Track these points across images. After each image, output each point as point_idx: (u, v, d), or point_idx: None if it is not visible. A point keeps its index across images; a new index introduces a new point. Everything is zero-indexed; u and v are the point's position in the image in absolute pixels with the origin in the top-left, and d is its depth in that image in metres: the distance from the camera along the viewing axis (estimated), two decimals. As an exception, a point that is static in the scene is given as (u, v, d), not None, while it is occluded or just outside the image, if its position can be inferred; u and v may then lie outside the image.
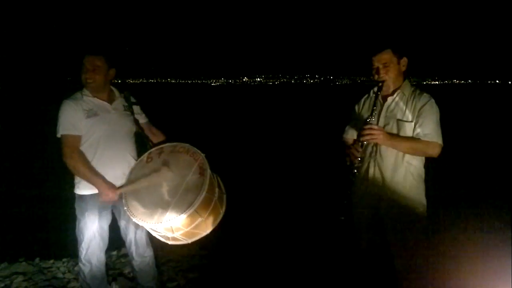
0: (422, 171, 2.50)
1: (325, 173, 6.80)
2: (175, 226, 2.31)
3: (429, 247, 2.52)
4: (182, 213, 2.26)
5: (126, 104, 2.82)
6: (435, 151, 2.37)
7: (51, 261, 3.92)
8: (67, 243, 4.34)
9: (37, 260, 3.94)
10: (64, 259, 3.95)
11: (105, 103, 2.71)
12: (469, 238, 3.94)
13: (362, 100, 2.71)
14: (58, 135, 2.59)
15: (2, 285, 3.43)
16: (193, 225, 2.35)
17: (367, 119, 2.41)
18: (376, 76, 2.49)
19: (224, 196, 2.58)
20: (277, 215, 5.30)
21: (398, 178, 2.43)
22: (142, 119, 2.92)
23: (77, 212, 2.72)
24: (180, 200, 2.31)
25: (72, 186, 2.75)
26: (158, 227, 2.34)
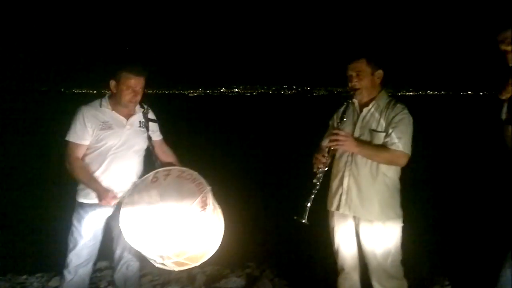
0: (397, 182, 2.52)
1: (299, 179, 6.85)
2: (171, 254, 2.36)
3: (404, 257, 2.54)
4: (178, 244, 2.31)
5: (142, 120, 2.80)
6: (401, 161, 2.40)
7: (24, 277, 3.82)
8: (41, 258, 4.24)
9: (9, 275, 3.83)
10: (38, 274, 3.85)
11: (122, 117, 2.69)
12: (445, 247, 4.02)
13: (341, 109, 2.71)
14: (66, 138, 2.60)
15: (-27, 302, 3.32)
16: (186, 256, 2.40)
17: (336, 125, 2.44)
18: (349, 84, 2.52)
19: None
20: (254, 222, 5.32)
21: (374, 188, 2.45)
22: (156, 137, 2.90)
23: (74, 219, 2.68)
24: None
25: (73, 192, 2.70)
26: (152, 254, 2.37)
